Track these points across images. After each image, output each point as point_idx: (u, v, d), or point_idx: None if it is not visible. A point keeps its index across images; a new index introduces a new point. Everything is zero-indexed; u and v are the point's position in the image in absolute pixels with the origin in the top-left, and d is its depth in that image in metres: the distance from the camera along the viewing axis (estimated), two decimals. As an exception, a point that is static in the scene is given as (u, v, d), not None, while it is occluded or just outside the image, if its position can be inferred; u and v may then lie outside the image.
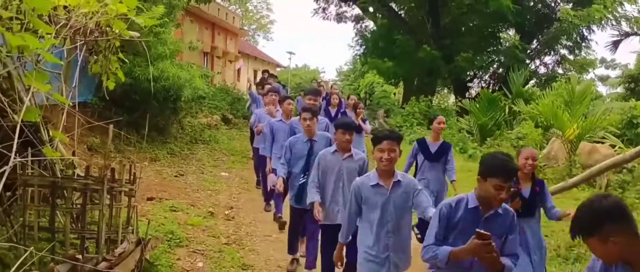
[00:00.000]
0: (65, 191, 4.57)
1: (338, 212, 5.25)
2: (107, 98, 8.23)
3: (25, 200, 4.41)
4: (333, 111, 11.58)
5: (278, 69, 44.34)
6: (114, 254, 4.28)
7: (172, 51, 11.74)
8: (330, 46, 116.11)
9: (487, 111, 18.63)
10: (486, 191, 3.28)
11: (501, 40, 27.90)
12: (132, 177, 4.91)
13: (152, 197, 8.07)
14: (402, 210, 4.16)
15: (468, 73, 27.37)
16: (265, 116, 9.03)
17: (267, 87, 11.11)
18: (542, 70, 28.36)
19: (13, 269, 3.43)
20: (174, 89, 11.34)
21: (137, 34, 5.34)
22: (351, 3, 29.68)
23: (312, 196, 5.33)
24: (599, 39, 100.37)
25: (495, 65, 28.33)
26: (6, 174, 3.37)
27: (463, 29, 27.26)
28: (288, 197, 6.74)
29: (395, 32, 27.11)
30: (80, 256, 4.11)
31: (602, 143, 13.26)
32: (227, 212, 8.37)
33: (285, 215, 7.29)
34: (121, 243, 4.60)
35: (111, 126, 4.72)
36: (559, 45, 26.51)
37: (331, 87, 19.30)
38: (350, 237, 4.52)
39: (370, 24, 31.26)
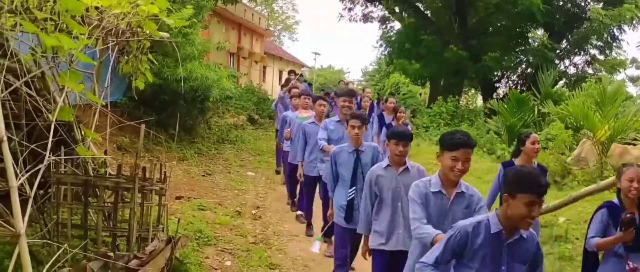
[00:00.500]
0: (97, 190, 4.65)
1: (402, 237, 4.45)
2: (137, 98, 8.40)
3: (59, 198, 4.49)
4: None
5: (303, 69, 44.45)
6: (145, 252, 4.33)
7: (200, 52, 11.83)
8: (355, 46, 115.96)
9: (515, 112, 18.37)
10: (517, 209, 2.86)
11: (529, 40, 27.51)
12: (162, 176, 4.97)
13: (181, 196, 8.16)
14: None
15: (495, 73, 27.06)
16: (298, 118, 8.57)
17: (295, 90, 10.99)
18: (571, 70, 27.90)
19: (47, 266, 3.48)
20: (201, 90, 11.44)
21: (167, 35, 5.40)
22: (377, 3, 29.58)
23: (362, 226, 4.70)
24: (630, 39, 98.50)
25: (523, 66, 27.98)
26: (41, 172, 3.43)
27: (490, 28, 26.97)
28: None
29: (421, 32, 26.94)
30: (112, 254, 4.17)
31: (634, 145, 13.00)
32: (254, 212, 8.41)
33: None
34: (152, 241, 4.66)
35: (143, 126, 4.77)
36: (589, 45, 26.05)
37: (363, 90, 18.79)
38: None
39: (396, 25, 31.14)
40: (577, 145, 13.56)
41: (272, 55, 37.84)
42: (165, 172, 5.00)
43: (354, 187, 5.41)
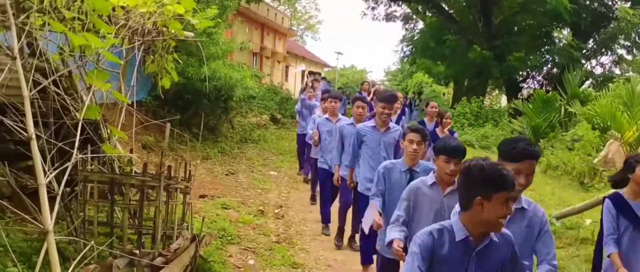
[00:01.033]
0: (123, 188, 4.70)
1: None
2: (162, 97, 8.47)
3: (85, 195, 4.54)
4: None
5: (326, 69, 44.45)
6: (170, 250, 4.36)
7: (224, 51, 11.89)
8: (378, 46, 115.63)
9: (541, 112, 18.18)
10: (495, 211, 2.49)
11: (555, 40, 27.21)
12: (187, 174, 5.00)
13: (205, 194, 8.21)
14: (521, 248, 2.93)
15: (520, 73, 26.83)
16: (326, 122, 8.00)
17: (317, 85, 10.72)
18: (598, 70, 27.64)
19: (74, 263, 3.52)
20: (225, 89, 11.49)
21: (192, 34, 5.44)
22: (400, 2, 29.49)
23: (393, 234, 3.77)
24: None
25: (548, 65, 27.71)
26: (69, 169, 3.47)
27: (515, 28, 26.75)
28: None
29: (445, 31, 26.81)
30: (137, 251, 4.21)
31: (663, 146, 12.77)
32: (276, 211, 8.43)
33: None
34: (176, 239, 4.69)
35: (168, 125, 4.81)
36: (616, 45, 25.77)
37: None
38: None
39: (419, 24, 31.02)
40: (604, 146, 13.37)
41: (295, 55, 37.89)
42: (189, 170, 5.03)
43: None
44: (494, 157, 3.10)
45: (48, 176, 3.33)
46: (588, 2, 25.38)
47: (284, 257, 6.37)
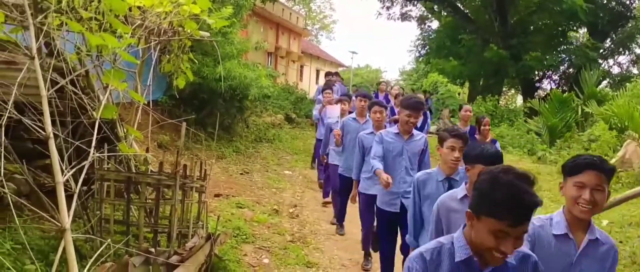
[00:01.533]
0: (139, 186, 4.73)
1: None
2: (178, 96, 8.51)
3: (102, 194, 4.58)
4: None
5: (340, 69, 44.41)
6: (185, 248, 4.39)
7: (239, 51, 11.94)
8: (393, 45, 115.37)
9: (557, 112, 18.04)
10: (481, 237, 2.05)
11: (572, 39, 26.99)
12: (202, 174, 5.02)
13: (219, 193, 8.24)
14: None
15: (536, 73, 26.63)
16: (353, 123, 7.38)
17: (333, 84, 10.45)
18: (615, 70, 27.36)
19: (91, 260, 3.55)
20: (240, 89, 11.52)
21: (208, 34, 5.46)
22: (416, 2, 29.39)
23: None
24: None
25: (565, 65, 27.47)
26: (85, 168, 3.50)
27: (531, 27, 26.55)
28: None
29: (460, 31, 26.67)
30: (153, 249, 4.24)
31: (681, 146, 12.61)
32: (291, 210, 8.44)
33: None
34: (192, 238, 4.72)
35: (184, 124, 4.84)
36: (634, 44, 25.50)
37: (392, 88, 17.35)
38: None
39: (434, 23, 30.90)
40: (621, 146, 13.22)
41: (310, 55, 37.92)
42: (205, 170, 5.06)
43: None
44: (509, 158, 3.02)
45: (65, 175, 3.36)
46: (605, 1, 25.12)
47: (299, 256, 6.38)
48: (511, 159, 14.13)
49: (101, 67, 4.69)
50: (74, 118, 4.47)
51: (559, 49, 26.81)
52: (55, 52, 4.06)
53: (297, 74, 34.27)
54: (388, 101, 12.04)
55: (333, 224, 7.97)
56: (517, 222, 1.94)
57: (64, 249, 3.08)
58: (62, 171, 3.29)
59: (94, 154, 3.64)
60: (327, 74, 16.78)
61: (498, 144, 6.85)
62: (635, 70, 26.64)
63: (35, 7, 3.75)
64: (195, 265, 4.30)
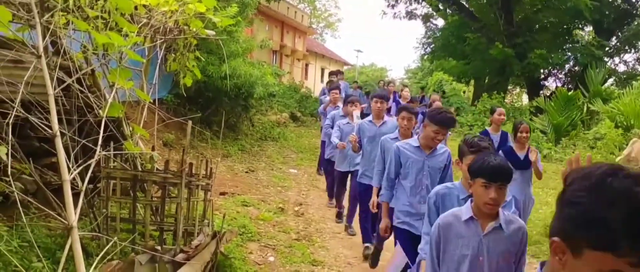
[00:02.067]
0: (145, 185, 4.75)
1: None
2: (184, 95, 8.53)
3: (108, 192, 4.59)
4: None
5: (345, 67, 44.42)
6: (191, 246, 4.39)
7: (244, 49, 11.96)
8: (398, 44, 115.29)
9: (563, 110, 17.99)
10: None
11: (577, 38, 26.88)
12: (208, 172, 5.04)
13: (225, 192, 8.26)
14: None
15: (542, 71, 26.55)
16: (369, 126, 6.72)
17: (338, 84, 10.48)
18: (621, 68, 27.21)
19: (97, 258, 3.57)
20: (245, 87, 11.55)
21: (213, 33, 5.47)
22: (421, 0, 29.33)
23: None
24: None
25: (570, 63, 27.36)
26: (92, 166, 3.52)
27: (537, 25, 26.46)
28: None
29: (466, 29, 26.61)
30: (159, 247, 4.25)
31: (688, 144, 12.55)
32: (296, 209, 8.45)
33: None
34: (197, 236, 4.73)
35: (189, 122, 4.85)
36: (640, 42, 25.36)
37: (430, 95, 16.56)
38: None
39: (439, 22, 30.84)
40: (627, 144, 13.18)
41: (315, 53, 37.93)
42: (210, 168, 5.07)
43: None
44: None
45: (72, 173, 3.37)
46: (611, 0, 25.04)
47: (304, 254, 6.39)
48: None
49: (107, 65, 4.70)
50: (80, 116, 4.49)
51: (564, 47, 26.70)
52: (62, 51, 4.07)
53: (302, 72, 34.29)
54: (398, 103, 11.93)
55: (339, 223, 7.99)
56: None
57: (71, 246, 3.10)
58: (69, 169, 3.30)
59: (100, 152, 3.65)
60: (331, 74, 16.78)
61: (539, 157, 6.26)
62: (641, 69, 26.56)
63: (41, 6, 3.76)
64: (201, 263, 4.30)
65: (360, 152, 6.74)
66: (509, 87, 31.07)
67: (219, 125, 10.42)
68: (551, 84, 28.39)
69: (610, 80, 24.91)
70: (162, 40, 5.07)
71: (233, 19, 8.11)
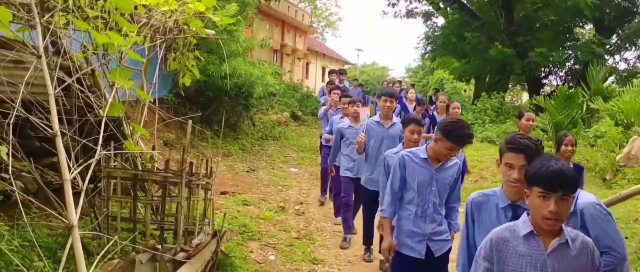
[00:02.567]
0: (145, 184, 4.76)
1: None
2: (183, 94, 8.54)
3: (109, 192, 4.60)
4: None
5: (346, 66, 44.38)
6: (191, 245, 4.40)
7: (244, 49, 11.97)
8: (399, 43, 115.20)
9: (563, 108, 17.97)
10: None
11: (578, 36, 26.85)
12: (208, 171, 5.05)
13: (226, 191, 8.27)
14: None
15: (542, 69, 26.51)
16: (377, 127, 6.32)
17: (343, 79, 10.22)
18: (622, 66, 27.16)
19: (98, 257, 3.58)
20: (245, 86, 11.56)
21: (213, 32, 5.47)
22: (421, -1, 29.32)
23: None
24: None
25: (571, 61, 27.32)
26: (92, 166, 3.53)
27: (537, 24, 26.43)
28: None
29: (466, 28, 26.58)
30: (159, 246, 4.26)
31: (688, 142, 12.55)
32: (297, 208, 8.46)
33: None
34: (198, 235, 4.74)
35: (189, 122, 4.86)
36: (640, 40, 25.32)
37: (437, 95, 16.20)
38: None
39: (440, 21, 30.80)
40: (627, 142, 13.18)
41: (315, 52, 37.91)
42: (211, 167, 5.08)
43: None
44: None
45: (72, 172, 3.38)
46: (611, -3, 25.01)
47: (305, 253, 6.40)
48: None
49: (107, 65, 4.71)
50: (81, 116, 4.50)
51: (565, 45, 26.66)
52: (62, 51, 4.08)
53: (303, 71, 34.27)
54: (403, 105, 11.54)
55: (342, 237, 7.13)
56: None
57: (72, 246, 3.10)
58: (69, 169, 3.31)
59: (100, 151, 3.66)
60: (331, 72, 16.70)
61: (583, 172, 5.58)
62: (641, 66, 26.53)
63: (41, 6, 3.77)
64: (201, 262, 4.32)
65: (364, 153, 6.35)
66: (510, 86, 31.05)
67: (219, 124, 10.44)
68: (552, 82, 28.36)
69: (611, 78, 24.90)
70: (162, 39, 5.07)
71: (233, 18, 8.11)
